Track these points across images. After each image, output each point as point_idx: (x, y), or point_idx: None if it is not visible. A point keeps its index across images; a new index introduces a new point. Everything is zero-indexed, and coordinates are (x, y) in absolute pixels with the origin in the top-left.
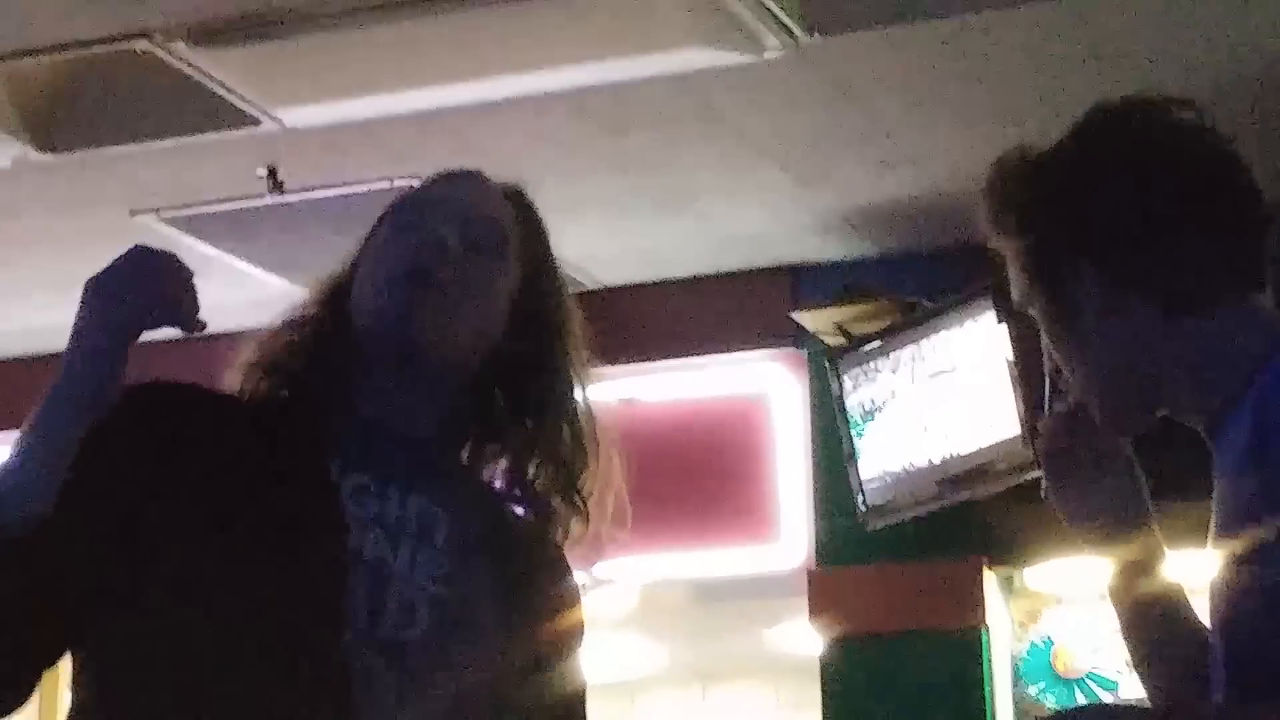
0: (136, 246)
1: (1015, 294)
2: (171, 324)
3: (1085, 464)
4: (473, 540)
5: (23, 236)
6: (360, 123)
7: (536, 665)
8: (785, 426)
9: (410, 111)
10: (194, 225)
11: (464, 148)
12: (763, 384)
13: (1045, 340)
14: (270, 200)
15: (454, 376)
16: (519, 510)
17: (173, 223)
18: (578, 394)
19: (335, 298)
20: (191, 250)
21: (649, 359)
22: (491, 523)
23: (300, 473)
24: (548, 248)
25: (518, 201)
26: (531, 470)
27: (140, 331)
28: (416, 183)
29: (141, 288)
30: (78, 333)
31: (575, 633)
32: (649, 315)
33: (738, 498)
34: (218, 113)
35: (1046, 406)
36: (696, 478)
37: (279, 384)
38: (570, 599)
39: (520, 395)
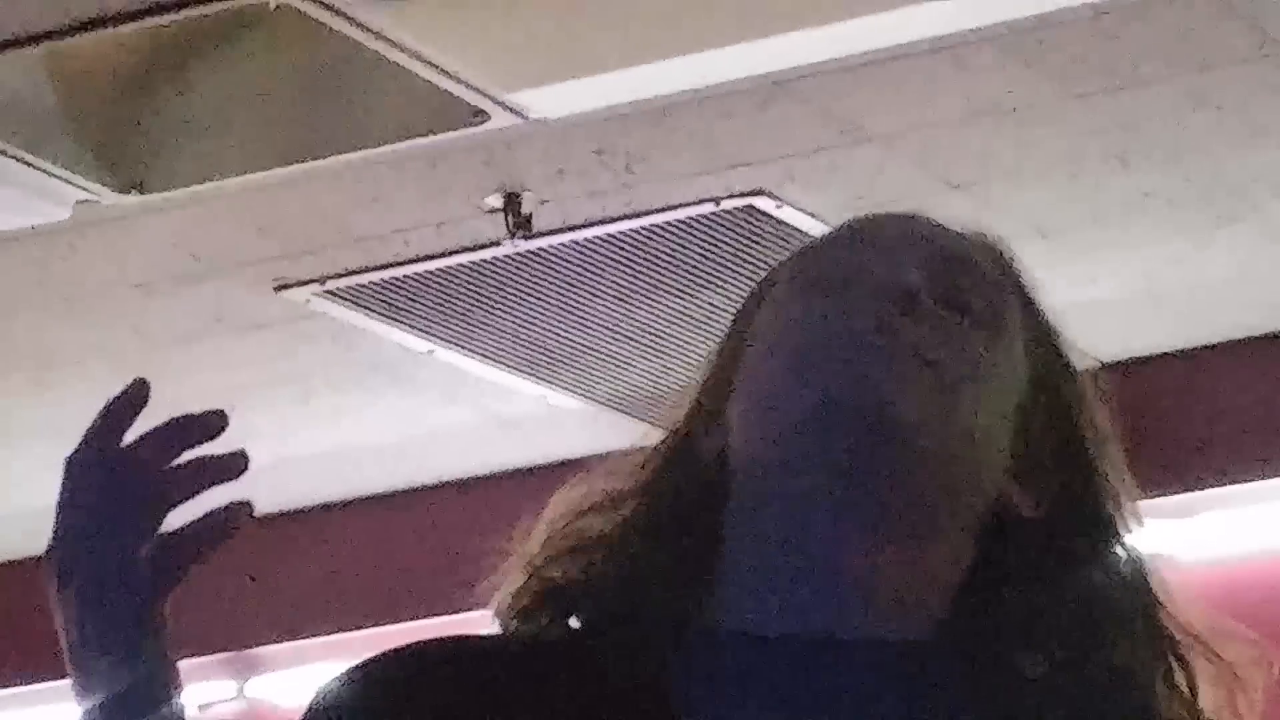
0: (66, 460)
1: None
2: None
3: None
4: None
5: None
6: (661, 107)
7: None
8: None
9: (729, 81)
10: (378, 300)
11: (825, 126)
12: None
13: None
14: (510, 248)
15: (955, 515)
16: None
17: (343, 297)
18: (1123, 553)
19: (679, 453)
20: (380, 343)
21: (1198, 486)
22: None
23: None
24: (1054, 333)
25: (1000, 259)
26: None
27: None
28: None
29: (107, 525)
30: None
31: None
32: (1199, 409)
33: None
34: (413, 103)
35: None
36: None
37: (577, 611)
38: None
39: (1037, 560)
